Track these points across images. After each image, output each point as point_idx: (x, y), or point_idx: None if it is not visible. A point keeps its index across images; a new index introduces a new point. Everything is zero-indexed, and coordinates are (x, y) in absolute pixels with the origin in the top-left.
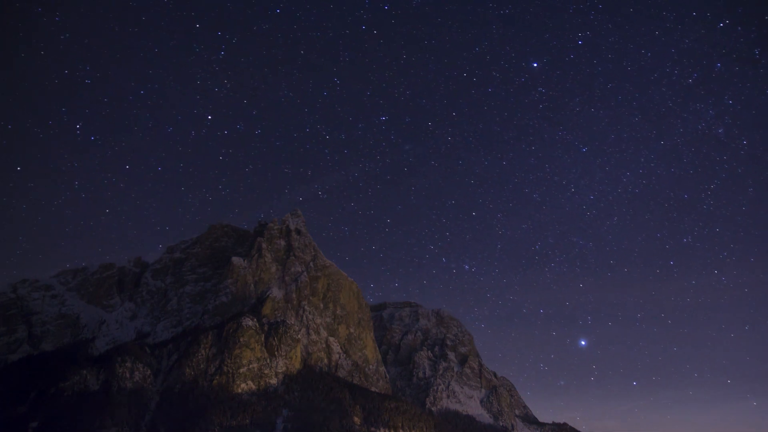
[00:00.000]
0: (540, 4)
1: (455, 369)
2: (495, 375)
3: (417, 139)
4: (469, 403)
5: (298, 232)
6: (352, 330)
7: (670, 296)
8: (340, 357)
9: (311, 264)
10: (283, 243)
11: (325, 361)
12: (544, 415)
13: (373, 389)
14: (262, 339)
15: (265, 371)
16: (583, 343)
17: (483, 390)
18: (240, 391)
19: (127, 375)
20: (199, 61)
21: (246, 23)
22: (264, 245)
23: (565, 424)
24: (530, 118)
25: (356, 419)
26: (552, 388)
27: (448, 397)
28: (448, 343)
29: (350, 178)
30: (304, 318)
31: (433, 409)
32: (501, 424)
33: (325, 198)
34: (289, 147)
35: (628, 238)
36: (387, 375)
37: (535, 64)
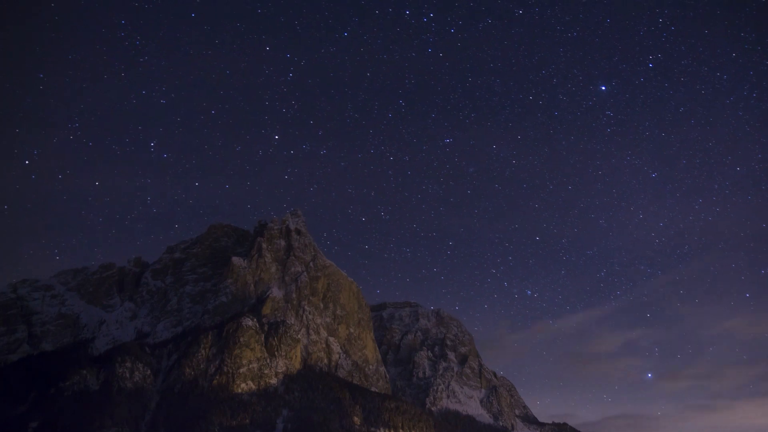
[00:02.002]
0: (609, 26)
1: (455, 369)
2: (495, 375)
3: (481, 162)
4: (469, 403)
5: (298, 232)
6: (352, 330)
7: (744, 330)
8: (340, 357)
9: (311, 264)
10: (283, 243)
11: (325, 361)
12: None
13: (373, 389)
14: (262, 339)
15: (265, 371)
16: (649, 375)
17: (483, 390)
18: (240, 391)
19: (127, 375)
20: (268, 83)
21: (314, 46)
22: (264, 245)
23: (564, 424)
24: (597, 142)
25: (356, 419)
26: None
27: (448, 397)
28: (448, 343)
29: (413, 199)
30: (304, 318)
31: (433, 409)
32: (501, 424)
33: (388, 219)
34: (353, 168)
35: (699, 268)
36: (387, 375)
37: (603, 88)
